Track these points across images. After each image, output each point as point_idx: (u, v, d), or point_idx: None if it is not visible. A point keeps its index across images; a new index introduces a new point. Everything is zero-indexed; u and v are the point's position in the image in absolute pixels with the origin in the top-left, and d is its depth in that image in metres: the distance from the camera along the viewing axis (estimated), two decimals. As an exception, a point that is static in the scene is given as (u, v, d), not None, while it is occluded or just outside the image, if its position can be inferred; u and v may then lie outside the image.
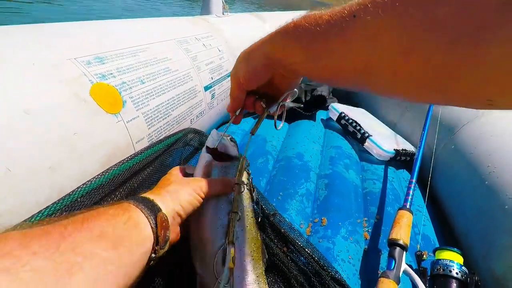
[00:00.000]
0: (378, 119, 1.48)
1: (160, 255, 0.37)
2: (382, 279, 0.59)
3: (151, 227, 0.35)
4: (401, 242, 0.66)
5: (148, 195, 0.40)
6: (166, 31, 0.87)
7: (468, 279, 0.64)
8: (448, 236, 0.92)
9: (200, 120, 0.93)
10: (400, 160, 1.19)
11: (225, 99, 1.10)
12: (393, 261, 0.63)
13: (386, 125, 1.43)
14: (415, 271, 0.72)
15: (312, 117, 1.44)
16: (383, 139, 1.23)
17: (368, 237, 0.82)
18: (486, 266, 0.71)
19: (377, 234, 0.82)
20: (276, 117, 0.52)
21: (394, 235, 0.68)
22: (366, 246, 0.79)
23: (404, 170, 1.20)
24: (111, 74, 0.60)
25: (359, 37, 0.26)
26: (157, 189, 0.44)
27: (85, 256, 0.25)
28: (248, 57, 0.42)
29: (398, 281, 0.60)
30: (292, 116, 1.43)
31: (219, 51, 1.08)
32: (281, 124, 0.53)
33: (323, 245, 0.74)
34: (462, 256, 0.69)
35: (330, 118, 1.45)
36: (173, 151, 0.67)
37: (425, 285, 0.64)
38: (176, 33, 0.91)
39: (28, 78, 0.48)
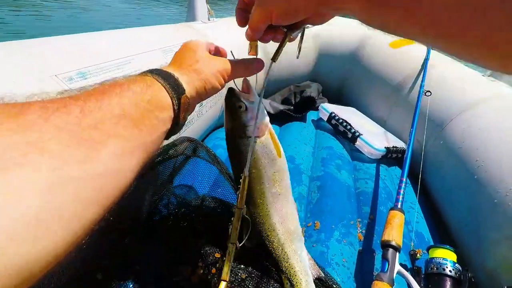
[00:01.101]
0: (368, 116, 1.49)
1: (177, 132, 0.38)
2: (376, 282, 0.60)
3: (174, 109, 0.35)
4: (393, 243, 0.66)
5: (174, 71, 0.38)
6: (151, 41, 0.86)
7: (462, 276, 0.65)
8: (441, 232, 0.92)
9: (189, 129, 0.92)
10: (392, 157, 1.20)
11: (214, 106, 1.09)
12: (387, 263, 0.64)
13: (377, 122, 1.44)
14: (410, 270, 0.72)
15: (303, 119, 1.44)
16: (374, 138, 1.23)
17: (362, 238, 0.82)
18: (478, 261, 0.71)
19: (371, 234, 0.83)
20: (299, 44, 0.49)
21: (386, 236, 0.68)
22: (361, 248, 0.79)
23: (396, 167, 1.21)
24: (94, 89, 0.59)
25: None
26: (183, 65, 0.41)
27: (108, 134, 0.25)
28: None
29: (392, 283, 0.60)
30: (282, 119, 1.43)
31: (206, 57, 1.08)
32: (298, 52, 0.51)
33: (317, 249, 0.74)
34: (455, 253, 0.69)
35: (320, 119, 1.45)
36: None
37: (419, 284, 0.64)
38: (161, 42, 0.90)
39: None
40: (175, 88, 0.35)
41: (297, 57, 0.52)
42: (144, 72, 0.36)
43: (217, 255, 0.63)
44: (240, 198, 0.44)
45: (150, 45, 0.84)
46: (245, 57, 0.48)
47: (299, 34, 0.46)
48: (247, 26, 0.44)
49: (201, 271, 0.59)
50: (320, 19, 0.42)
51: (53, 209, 0.20)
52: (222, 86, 0.43)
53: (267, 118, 0.50)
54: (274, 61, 0.47)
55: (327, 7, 0.35)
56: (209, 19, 1.33)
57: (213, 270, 0.58)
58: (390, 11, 0.28)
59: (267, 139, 0.49)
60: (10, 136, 0.20)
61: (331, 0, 0.34)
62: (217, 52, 0.49)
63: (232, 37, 1.35)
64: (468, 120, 1.01)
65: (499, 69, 0.26)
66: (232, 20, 1.55)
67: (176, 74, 0.37)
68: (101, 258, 0.59)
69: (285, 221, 0.53)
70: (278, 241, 0.53)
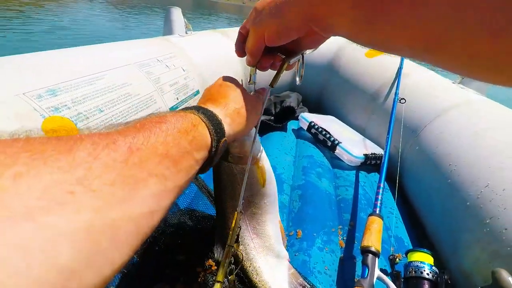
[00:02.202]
0: (348, 124, 1.52)
1: (204, 172, 0.38)
2: (356, 288, 0.60)
3: (211, 151, 0.35)
4: (372, 249, 0.67)
5: (219, 112, 0.38)
6: (125, 56, 0.86)
7: (439, 278, 0.66)
8: (420, 235, 0.94)
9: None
10: (371, 164, 1.22)
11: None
12: (367, 269, 0.64)
13: (356, 130, 1.47)
14: (390, 275, 0.73)
15: (283, 128, 1.46)
16: (353, 145, 1.26)
17: (344, 245, 0.83)
18: (454, 263, 0.73)
19: (351, 241, 0.84)
20: (298, 70, 0.50)
21: (366, 242, 0.69)
22: (342, 255, 0.80)
23: (376, 173, 1.24)
24: (65, 105, 0.58)
25: (443, 4, 0.23)
26: (227, 106, 0.41)
27: (150, 173, 0.25)
28: (278, 10, 0.38)
29: (372, 289, 0.61)
30: (263, 129, 1.44)
31: (184, 70, 1.08)
32: (300, 79, 0.53)
33: (299, 258, 0.74)
34: (433, 256, 0.71)
35: (301, 128, 1.47)
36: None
37: (399, 289, 0.65)
38: (136, 57, 0.90)
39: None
40: (218, 131, 0.36)
41: (298, 83, 0.53)
42: (189, 108, 0.36)
43: (199, 269, 0.63)
44: (232, 234, 0.43)
45: (125, 60, 0.83)
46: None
47: (298, 61, 0.48)
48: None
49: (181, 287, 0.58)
50: (314, 42, 0.44)
51: (88, 257, 0.19)
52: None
53: (257, 150, 0.52)
54: (272, 87, 0.49)
55: (316, 25, 0.36)
56: (186, 33, 1.34)
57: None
58: (380, 27, 0.29)
59: (251, 169, 0.51)
60: (58, 174, 0.19)
61: (319, 16, 0.35)
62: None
63: (209, 50, 1.36)
64: (441, 126, 1.05)
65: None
66: (210, 34, 1.56)
67: (220, 116, 0.38)
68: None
69: (258, 237, 0.55)
70: (247, 256, 0.54)
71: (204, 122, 0.35)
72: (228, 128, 0.38)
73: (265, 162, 0.55)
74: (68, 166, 0.20)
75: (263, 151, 0.56)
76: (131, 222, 0.22)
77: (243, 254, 0.54)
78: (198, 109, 0.36)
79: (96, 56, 0.78)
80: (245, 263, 0.54)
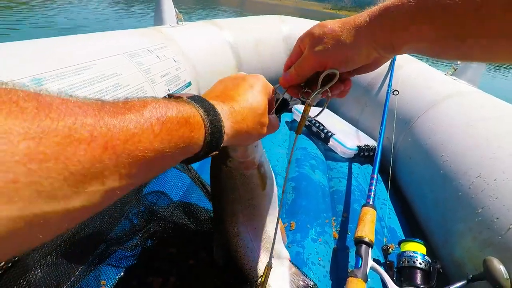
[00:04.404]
0: (341, 117, 1.52)
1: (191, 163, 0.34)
2: (350, 278, 0.60)
3: (199, 153, 0.32)
4: (366, 239, 0.67)
5: (224, 106, 0.35)
6: (115, 46, 0.84)
7: (431, 267, 0.67)
8: (412, 226, 0.95)
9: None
10: (364, 155, 1.23)
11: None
12: (360, 259, 0.64)
13: (349, 122, 1.47)
14: (383, 265, 0.74)
15: (277, 121, 1.45)
16: (346, 137, 1.26)
17: (337, 236, 0.83)
18: (446, 252, 0.74)
19: (345, 232, 0.84)
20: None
21: (359, 233, 0.69)
22: (336, 246, 0.80)
23: (369, 165, 1.24)
24: (52, 96, 0.56)
25: None
26: (239, 105, 0.37)
27: (114, 171, 0.22)
28: (348, 38, 0.37)
29: (365, 278, 0.61)
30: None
31: (175, 61, 1.06)
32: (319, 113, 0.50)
33: (292, 250, 0.74)
34: (425, 246, 0.72)
35: (294, 120, 1.46)
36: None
37: (392, 278, 0.65)
38: (126, 47, 0.87)
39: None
40: (213, 143, 0.32)
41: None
42: (195, 99, 0.32)
43: (191, 261, 0.62)
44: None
45: (114, 49, 0.81)
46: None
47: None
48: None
49: (174, 280, 0.57)
50: (374, 67, 0.42)
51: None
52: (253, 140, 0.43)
53: (259, 154, 0.51)
54: (299, 134, 0.47)
55: (391, 51, 0.36)
56: (177, 23, 1.31)
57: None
58: (474, 41, 0.29)
59: (251, 174, 0.50)
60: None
61: (398, 43, 0.34)
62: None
63: (201, 41, 1.34)
64: (434, 117, 1.06)
65: None
66: (202, 24, 1.54)
67: (225, 116, 0.34)
68: (68, 274, 0.56)
69: (258, 239, 0.54)
70: (247, 258, 0.54)
71: (206, 134, 0.31)
72: (230, 130, 0.35)
73: (266, 165, 0.53)
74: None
75: (264, 153, 0.55)
76: (68, 215, 0.20)
77: (244, 256, 0.54)
78: (208, 111, 0.32)
79: (84, 45, 0.76)
80: (246, 265, 0.54)
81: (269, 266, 0.45)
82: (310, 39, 0.39)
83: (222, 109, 0.34)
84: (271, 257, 0.45)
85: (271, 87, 0.44)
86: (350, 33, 0.36)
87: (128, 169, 0.23)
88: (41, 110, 0.18)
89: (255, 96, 0.39)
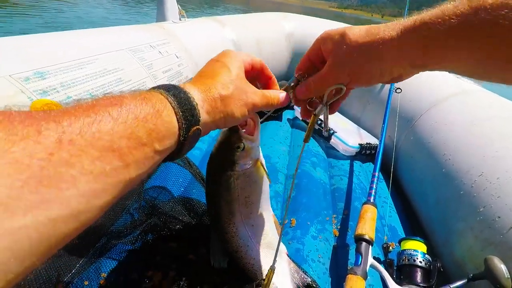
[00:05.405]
0: (343, 114, 1.51)
1: (175, 160, 0.33)
2: (349, 275, 0.60)
3: (179, 139, 0.30)
4: (366, 237, 0.67)
5: (198, 92, 0.33)
6: (117, 41, 0.84)
7: (431, 266, 0.67)
8: (413, 224, 0.95)
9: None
10: (365, 153, 1.22)
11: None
12: (360, 257, 0.64)
13: (351, 119, 1.47)
14: (383, 263, 0.74)
15: (279, 118, 1.44)
16: (348, 135, 1.26)
17: (338, 234, 0.83)
18: (447, 251, 0.74)
19: (345, 229, 0.84)
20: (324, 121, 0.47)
21: (360, 230, 0.69)
22: (336, 243, 0.80)
23: (370, 163, 1.24)
24: (54, 89, 0.56)
25: None
26: (212, 87, 0.35)
27: (81, 171, 0.21)
28: (373, 56, 0.34)
29: (365, 276, 0.61)
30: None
31: (177, 57, 1.06)
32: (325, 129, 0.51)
33: (292, 246, 0.74)
34: (426, 244, 0.71)
35: (296, 117, 1.46)
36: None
37: (392, 276, 0.65)
38: (128, 42, 0.87)
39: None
40: (188, 117, 0.30)
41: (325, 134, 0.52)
42: (160, 87, 0.31)
43: (191, 256, 0.62)
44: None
45: (117, 44, 0.81)
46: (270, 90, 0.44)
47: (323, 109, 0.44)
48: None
49: (173, 275, 0.57)
50: (391, 81, 0.40)
51: None
52: (238, 123, 0.39)
53: (259, 155, 0.51)
54: (307, 142, 0.46)
55: (422, 70, 0.34)
56: (180, 19, 1.31)
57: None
58: None
59: (250, 170, 0.50)
60: None
61: (432, 64, 0.32)
62: (254, 69, 0.43)
63: (203, 38, 1.33)
64: (436, 115, 1.05)
65: None
66: (204, 21, 1.53)
67: (199, 98, 0.32)
68: (68, 267, 0.56)
69: (256, 235, 0.54)
70: (249, 256, 0.54)
71: (173, 107, 0.29)
72: (206, 115, 0.33)
73: (263, 161, 0.53)
74: None
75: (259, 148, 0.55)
76: (41, 228, 0.19)
77: (245, 255, 0.54)
78: (169, 89, 0.30)
79: (87, 40, 0.76)
80: (248, 264, 0.54)
81: (272, 270, 0.45)
82: (333, 53, 0.37)
83: (196, 93, 0.33)
84: (274, 260, 0.45)
85: (247, 57, 0.42)
86: (377, 49, 0.34)
87: (103, 164, 0.22)
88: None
89: (226, 73, 0.37)
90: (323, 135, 1.29)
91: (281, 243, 0.60)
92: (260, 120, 0.50)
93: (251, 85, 0.39)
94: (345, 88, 0.38)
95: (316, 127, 1.32)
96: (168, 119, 0.28)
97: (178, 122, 0.29)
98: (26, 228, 0.18)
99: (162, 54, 0.97)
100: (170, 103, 0.29)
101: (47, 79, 0.56)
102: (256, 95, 0.39)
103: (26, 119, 0.20)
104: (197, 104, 0.32)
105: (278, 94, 0.43)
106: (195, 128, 0.31)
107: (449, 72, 0.32)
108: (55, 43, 0.68)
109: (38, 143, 0.19)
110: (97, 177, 0.22)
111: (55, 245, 0.20)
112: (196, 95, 0.32)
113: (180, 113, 0.30)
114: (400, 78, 0.38)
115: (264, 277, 0.48)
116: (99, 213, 0.23)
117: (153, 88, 0.31)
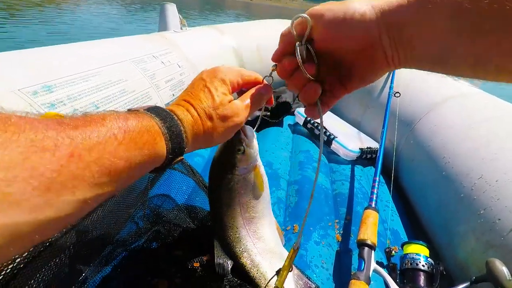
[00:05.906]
0: (343, 119, 1.52)
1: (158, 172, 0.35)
2: (353, 281, 0.61)
3: (164, 162, 0.32)
4: (368, 242, 0.68)
5: (187, 113, 0.35)
6: (120, 52, 0.86)
7: (434, 269, 0.67)
8: (415, 228, 0.95)
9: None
10: (366, 158, 1.23)
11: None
12: (363, 262, 0.65)
13: (351, 124, 1.48)
14: (386, 267, 0.74)
15: (280, 124, 1.46)
16: (348, 139, 1.27)
17: (340, 239, 0.83)
18: (449, 254, 0.74)
19: (348, 235, 0.84)
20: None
21: (362, 235, 0.69)
22: (339, 248, 0.80)
23: (371, 167, 1.24)
24: (61, 102, 0.58)
25: None
26: (200, 105, 0.36)
27: (83, 180, 0.23)
28: (346, 20, 0.31)
29: (368, 281, 0.61)
30: (259, 125, 1.44)
31: (179, 67, 1.08)
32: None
33: (296, 252, 0.74)
34: (428, 248, 0.72)
35: (297, 123, 1.47)
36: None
37: (395, 280, 0.66)
38: (131, 53, 0.89)
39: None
40: (176, 150, 0.33)
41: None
42: (151, 110, 0.32)
43: (196, 264, 0.63)
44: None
45: (120, 56, 0.83)
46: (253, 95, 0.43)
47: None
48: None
49: (179, 283, 0.58)
50: (370, 74, 0.36)
51: None
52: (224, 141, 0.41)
53: (258, 160, 0.53)
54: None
55: (397, 45, 0.30)
56: (181, 29, 1.33)
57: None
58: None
59: (250, 176, 0.52)
60: None
61: (407, 36, 0.29)
62: (243, 86, 0.43)
63: (204, 46, 1.35)
64: (435, 118, 1.06)
65: None
66: (205, 30, 1.56)
67: (186, 121, 0.34)
68: (74, 275, 0.57)
69: (260, 242, 0.55)
70: (252, 262, 0.55)
71: (162, 132, 0.31)
72: (193, 138, 0.35)
73: (261, 166, 0.55)
74: None
75: (258, 154, 0.56)
76: (40, 226, 0.21)
77: (249, 261, 0.55)
78: (165, 119, 0.32)
79: (92, 52, 0.78)
80: (252, 270, 0.55)
81: (295, 249, 0.46)
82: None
83: (182, 115, 0.34)
84: (299, 240, 0.46)
85: (235, 71, 0.42)
86: (361, 13, 0.31)
87: (98, 178, 0.24)
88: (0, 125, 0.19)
89: (209, 92, 0.37)
90: (323, 140, 1.30)
91: (283, 249, 0.60)
92: (256, 127, 0.53)
93: (234, 104, 0.39)
94: (309, 18, 0.34)
95: (317, 132, 1.33)
96: (160, 148, 0.31)
97: (166, 153, 0.32)
98: (26, 225, 0.20)
99: (165, 64, 0.98)
100: (164, 137, 0.31)
101: (54, 92, 0.58)
102: (238, 117, 0.39)
103: (52, 126, 0.22)
104: (186, 138, 0.34)
105: (259, 90, 0.43)
106: (180, 159, 0.34)
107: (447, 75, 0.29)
108: (61, 56, 0.70)
109: (53, 154, 0.21)
110: (94, 188, 0.24)
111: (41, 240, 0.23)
112: (187, 128, 0.34)
113: (170, 145, 0.32)
114: (374, 67, 0.35)
115: (267, 282, 0.49)
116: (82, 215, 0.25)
117: (151, 114, 0.32)
